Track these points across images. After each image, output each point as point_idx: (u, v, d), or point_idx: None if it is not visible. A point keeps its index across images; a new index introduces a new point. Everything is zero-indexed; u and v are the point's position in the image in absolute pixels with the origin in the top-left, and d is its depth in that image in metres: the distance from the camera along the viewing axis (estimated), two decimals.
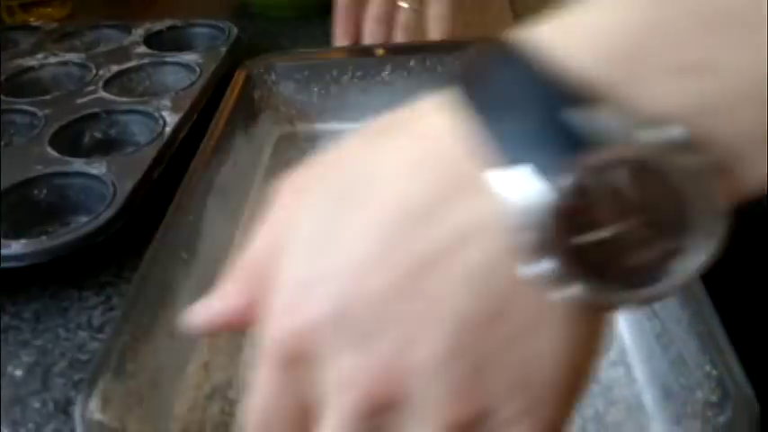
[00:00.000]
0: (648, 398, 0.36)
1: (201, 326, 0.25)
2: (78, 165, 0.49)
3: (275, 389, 0.23)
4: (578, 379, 0.21)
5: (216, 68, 0.60)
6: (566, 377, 0.21)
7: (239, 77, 0.57)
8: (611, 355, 0.38)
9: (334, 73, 0.58)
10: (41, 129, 0.54)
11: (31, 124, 0.56)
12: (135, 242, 0.43)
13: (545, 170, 0.18)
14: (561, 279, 0.19)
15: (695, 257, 0.19)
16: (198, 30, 0.71)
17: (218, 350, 0.39)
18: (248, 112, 0.56)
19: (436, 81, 0.58)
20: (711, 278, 0.28)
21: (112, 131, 0.56)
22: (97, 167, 0.48)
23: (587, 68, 0.19)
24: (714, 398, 0.29)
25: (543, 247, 0.19)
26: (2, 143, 0.56)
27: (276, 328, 0.22)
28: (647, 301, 0.20)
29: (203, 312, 0.25)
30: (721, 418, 0.28)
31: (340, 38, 0.63)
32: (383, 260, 0.20)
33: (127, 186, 0.46)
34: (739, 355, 0.30)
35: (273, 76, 0.59)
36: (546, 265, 0.19)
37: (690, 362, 0.32)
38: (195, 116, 0.54)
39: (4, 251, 0.41)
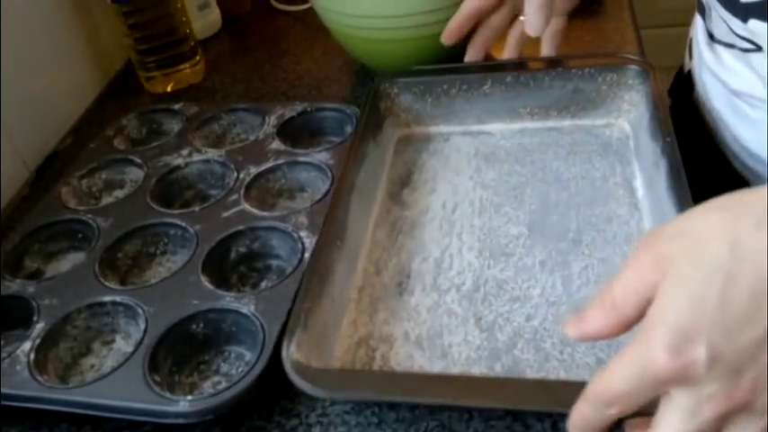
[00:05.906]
0: None
1: (578, 335, 0.36)
2: (229, 301, 0.53)
3: (641, 384, 0.32)
4: None
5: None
6: None
7: (371, 93, 0.70)
8: None
9: (444, 86, 0.70)
10: (194, 250, 0.59)
11: (183, 237, 0.62)
12: (281, 384, 0.47)
13: None
14: None
15: None
16: (327, 114, 0.75)
17: (362, 311, 0.54)
18: (376, 119, 0.69)
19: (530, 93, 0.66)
20: None
21: (255, 245, 0.60)
22: (246, 305, 0.53)
23: None
24: None
25: None
26: (158, 253, 0.63)
27: (659, 358, 0.31)
28: None
29: (580, 327, 0.35)
30: None
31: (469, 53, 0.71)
32: (751, 322, 0.30)
33: (274, 329, 0.50)
34: None
35: (396, 89, 0.71)
36: None
37: None
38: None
39: (172, 408, 0.47)
